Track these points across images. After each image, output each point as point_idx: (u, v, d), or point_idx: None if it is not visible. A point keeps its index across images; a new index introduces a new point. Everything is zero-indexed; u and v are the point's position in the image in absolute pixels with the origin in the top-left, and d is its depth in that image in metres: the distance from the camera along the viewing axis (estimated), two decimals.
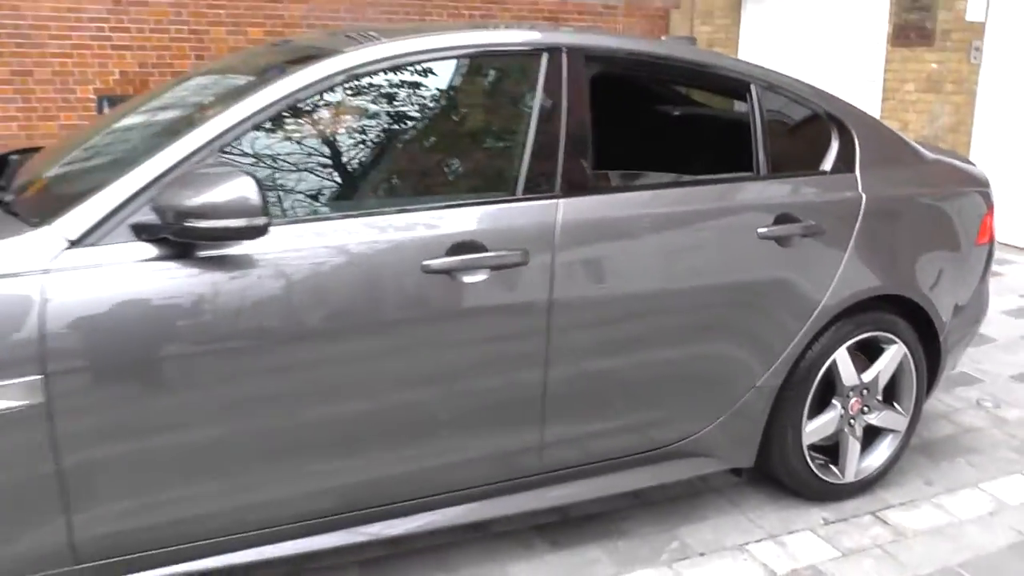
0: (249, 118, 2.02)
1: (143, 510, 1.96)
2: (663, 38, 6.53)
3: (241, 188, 1.82)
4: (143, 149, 2.06)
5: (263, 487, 2.07)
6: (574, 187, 2.32)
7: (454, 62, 2.41)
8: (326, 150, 2.20)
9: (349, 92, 2.21)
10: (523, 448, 2.36)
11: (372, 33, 2.38)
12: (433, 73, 2.33)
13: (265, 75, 2.20)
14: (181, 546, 2.02)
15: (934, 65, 6.38)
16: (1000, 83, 6.29)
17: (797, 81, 2.82)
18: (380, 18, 8.32)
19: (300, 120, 2.14)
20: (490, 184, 2.37)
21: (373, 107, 2.27)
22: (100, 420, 1.87)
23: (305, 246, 2.01)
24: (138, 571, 1.99)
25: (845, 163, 2.79)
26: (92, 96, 7.42)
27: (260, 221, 1.83)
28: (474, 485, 2.32)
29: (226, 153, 2.00)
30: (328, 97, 2.17)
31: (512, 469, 2.37)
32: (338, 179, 2.24)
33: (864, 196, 2.75)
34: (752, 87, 2.69)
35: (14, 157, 2.73)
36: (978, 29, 6.29)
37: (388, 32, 2.40)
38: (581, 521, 2.68)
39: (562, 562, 2.49)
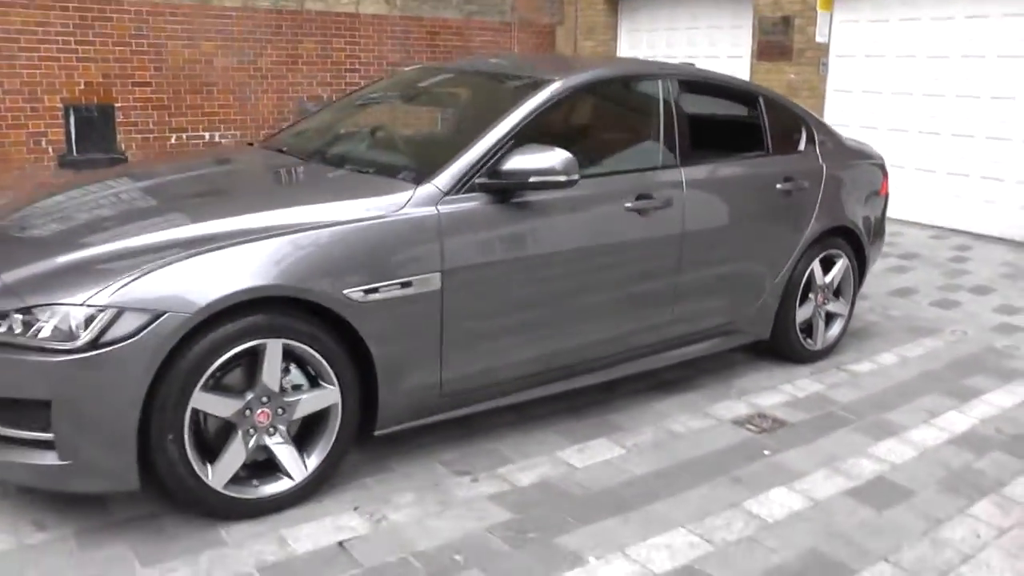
0: (525, 117, 3.27)
1: (481, 360, 3.16)
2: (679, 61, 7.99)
3: (565, 156, 3.06)
4: (462, 135, 3.27)
5: (547, 346, 3.33)
6: (686, 160, 3.73)
7: (623, 82, 3.80)
8: (562, 137, 3.46)
9: (570, 102, 3.51)
10: (664, 322, 3.74)
11: (554, 63, 3.68)
12: (612, 89, 3.67)
13: (519, 91, 3.45)
14: (499, 385, 3.25)
15: (792, 76, 8.31)
16: (840, 89, 8.33)
17: (780, 95, 4.39)
18: (310, 35, 9.27)
19: (545, 119, 3.40)
20: (647, 159, 3.70)
21: (585, 111, 3.59)
22: (465, 302, 3.05)
23: (567, 195, 3.25)
24: (476, 402, 3.20)
25: (810, 145, 4.38)
26: (59, 105, 7.92)
27: (576, 176, 3.09)
28: (642, 345, 3.69)
29: (516, 139, 3.23)
30: (561, 105, 3.45)
31: (657, 336, 3.75)
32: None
33: (824, 166, 4.35)
34: (759, 97, 4.22)
35: None
36: (824, 49, 8.32)
37: (558, 62, 3.71)
38: (673, 383, 4.08)
39: (676, 400, 3.87)
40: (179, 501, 2.70)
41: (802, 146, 4.36)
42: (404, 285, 2.89)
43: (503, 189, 3.12)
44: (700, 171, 3.77)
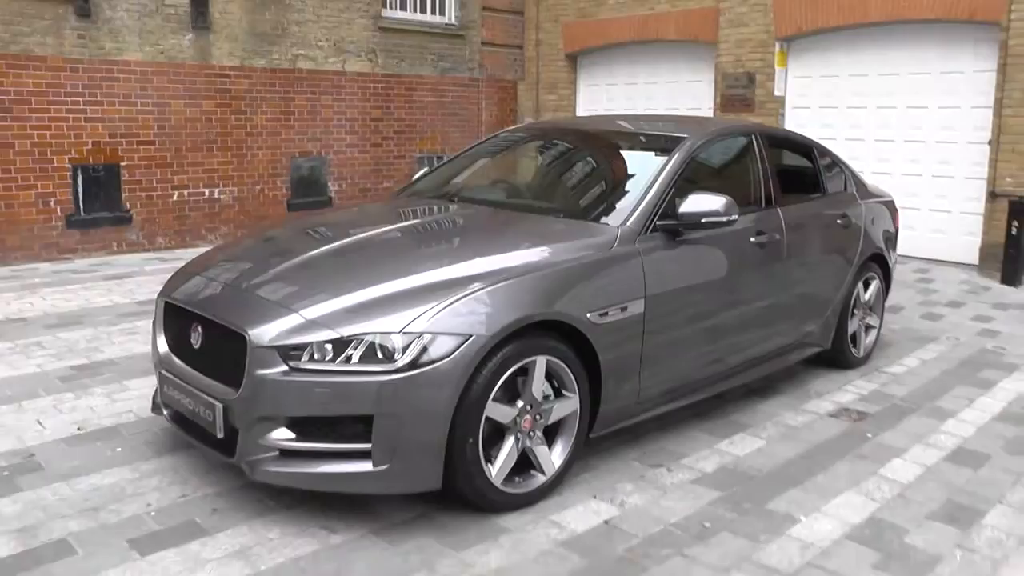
0: (678, 168, 3.96)
1: (663, 371, 3.78)
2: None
3: (726, 200, 3.75)
4: (629, 185, 3.93)
5: (703, 358, 3.98)
6: (779, 202, 4.51)
7: (730, 137, 4.55)
8: (694, 183, 4.13)
9: (702, 153, 4.22)
10: (771, 336, 4.46)
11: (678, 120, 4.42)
12: (724, 143, 4.42)
13: (660, 145, 4.15)
14: (670, 392, 3.87)
15: None
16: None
17: (824, 146, 5.27)
18: (304, 88, 9.69)
19: (690, 168, 4.09)
20: (756, 201, 4.45)
21: (707, 162, 4.31)
22: (657, 322, 3.66)
23: (714, 232, 3.94)
24: (656, 407, 3.81)
25: (850, 186, 5.27)
26: (68, 165, 8.04)
27: (735, 216, 3.78)
28: (756, 357, 4.39)
29: (675, 187, 3.90)
30: (697, 157, 4.17)
31: (765, 348, 4.46)
32: None
33: (862, 203, 5.24)
34: (813, 148, 5.08)
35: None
36: (781, 100, 9.44)
37: (666, 122, 4.44)
38: (760, 390, 4.79)
39: (774, 403, 4.58)
40: (465, 497, 3.17)
41: (843, 187, 5.24)
42: (623, 309, 3.50)
43: (676, 229, 3.79)
44: (790, 211, 4.56)
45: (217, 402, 3.11)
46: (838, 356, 5.17)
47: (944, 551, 3.10)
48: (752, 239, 4.22)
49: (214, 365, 3.23)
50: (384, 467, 2.96)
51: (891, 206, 5.66)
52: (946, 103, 8.23)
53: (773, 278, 4.39)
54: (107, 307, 6.43)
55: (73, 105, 7.99)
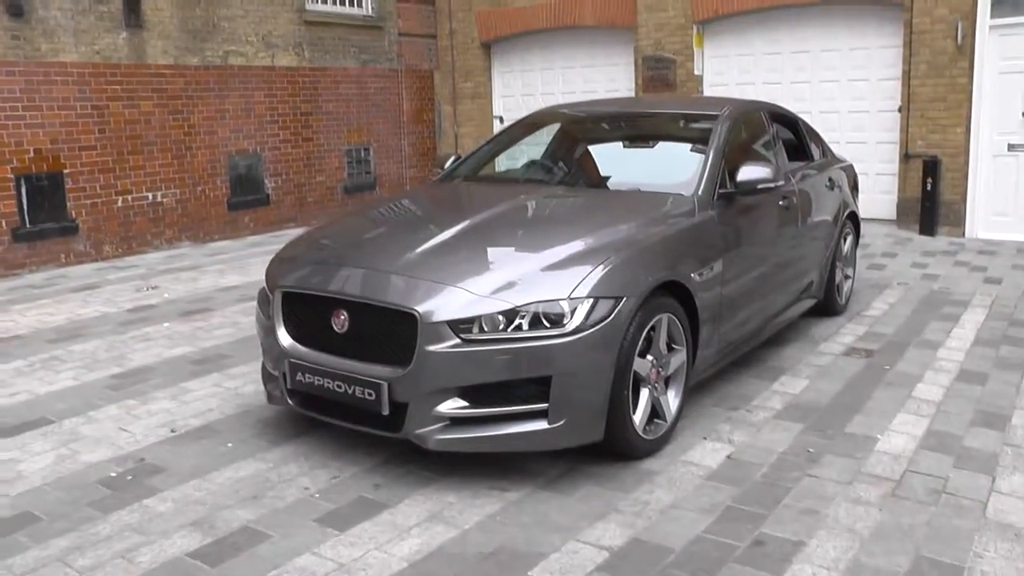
0: (724, 142, 4.40)
1: (735, 322, 4.22)
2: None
3: (774, 167, 4.22)
4: (688, 157, 4.35)
5: (761, 308, 4.47)
6: (788, 169, 5.05)
7: (748, 113, 4.99)
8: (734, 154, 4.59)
9: (736, 128, 4.67)
10: (796, 285, 5.01)
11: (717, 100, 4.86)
12: (744, 119, 4.88)
13: (701, 122, 4.57)
14: (733, 343, 4.32)
15: None
16: None
17: (805, 122, 5.86)
18: (250, 88, 9.56)
19: (733, 141, 4.54)
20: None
21: (742, 135, 4.76)
22: (730, 279, 4.09)
23: (756, 197, 4.42)
24: (727, 357, 4.26)
25: (826, 153, 5.91)
26: (11, 176, 7.66)
27: (781, 182, 4.26)
28: (789, 303, 4.94)
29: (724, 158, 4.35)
30: (734, 131, 4.61)
31: (793, 295, 5.01)
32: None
33: (837, 168, 5.89)
34: (798, 121, 5.66)
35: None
36: (700, 79, 10.12)
37: (695, 102, 4.87)
38: (772, 340, 5.33)
39: (794, 349, 5.14)
40: (616, 446, 3.50)
41: (821, 154, 5.87)
42: (711, 268, 3.92)
43: (733, 195, 4.24)
44: (798, 176, 5.12)
45: (382, 381, 3.29)
46: (828, 305, 5.80)
47: (996, 448, 3.71)
48: (780, 203, 4.73)
49: (368, 347, 3.39)
50: (559, 424, 3.25)
51: (851, 169, 6.35)
52: (856, 76, 9.14)
53: (794, 237, 4.93)
54: (99, 318, 6.25)
55: (12, 111, 7.59)
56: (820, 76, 9.41)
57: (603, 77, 11.24)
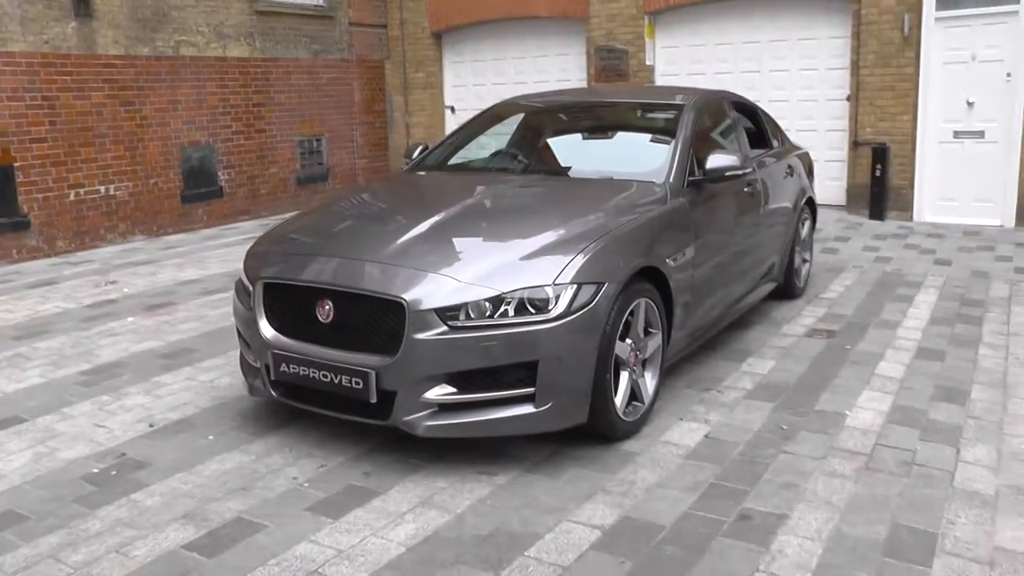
0: (692, 130, 4.50)
1: (703, 307, 4.33)
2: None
3: (740, 156, 4.34)
4: (656, 146, 4.44)
5: (727, 292, 4.59)
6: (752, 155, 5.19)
7: (712, 102, 5.11)
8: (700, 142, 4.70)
9: (701, 117, 4.77)
10: (760, 268, 5.15)
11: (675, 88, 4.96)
12: (708, 108, 4.99)
13: (668, 112, 4.67)
14: (702, 328, 4.44)
15: None
16: None
17: (764, 110, 6.01)
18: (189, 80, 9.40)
19: (699, 130, 4.64)
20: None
21: (705, 123, 4.87)
22: (700, 263, 4.20)
23: (723, 185, 4.55)
24: (695, 342, 4.38)
25: (785, 141, 6.07)
26: None
27: (749, 169, 4.38)
28: (752, 287, 5.07)
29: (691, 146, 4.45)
30: (700, 119, 4.72)
31: (755, 280, 5.15)
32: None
33: (795, 155, 6.06)
34: (758, 109, 5.81)
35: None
36: (651, 69, 10.26)
37: (658, 91, 4.97)
38: (736, 324, 5.47)
39: (757, 332, 5.29)
40: (599, 428, 3.58)
41: (780, 143, 6.03)
42: (683, 254, 4.02)
43: (702, 183, 4.35)
44: (759, 163, 5.26)
45: (369, 370, 3.32)
46: (788, 288, 5.97)
47: (959, 421, 3.89)
48: (745, 189, 4.86)
49: (354, 336, 3.41)
50: (545, 407, 3.32)
51: (807, 157, 6.54)
52: (805, 66, 9.36)
53: (757, 223, 5.07)
54: (60, 314, 6.13)
55: None
56: (770, 66, 9.62)
57: (554, 67, 11.31)
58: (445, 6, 11.72)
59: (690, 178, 4.32)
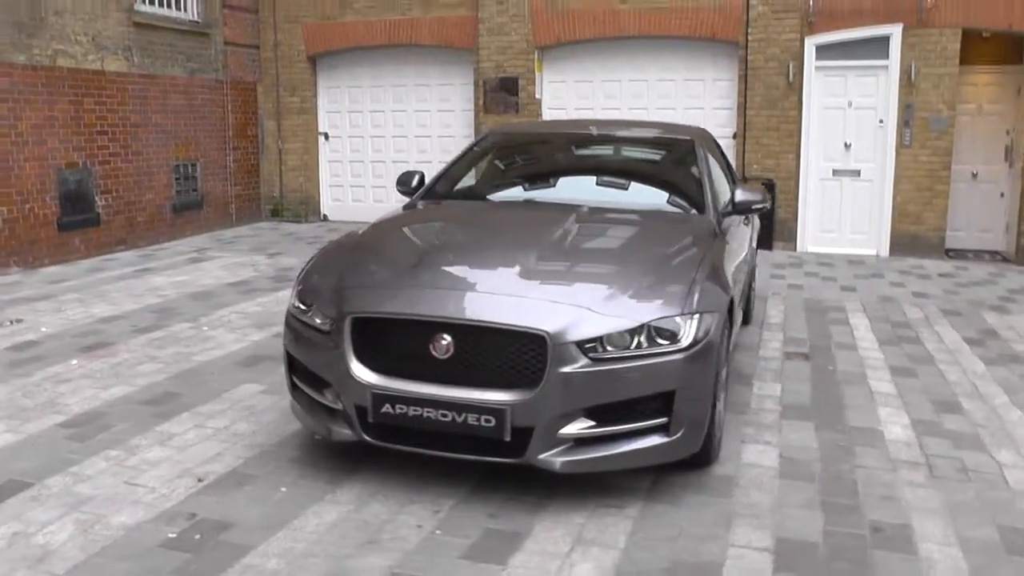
0: (709, 164, 4.75)
1: (735, 325, 4.56)
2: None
3: (763, 190, 4.63)
4: (686, 181, 4.64)
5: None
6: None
7: (709, 135, 5.39)
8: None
9: (711, 150, 5.03)
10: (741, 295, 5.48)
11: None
12: (712, 139, 5.25)
13: (682, 147, 4.88)
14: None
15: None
16: None
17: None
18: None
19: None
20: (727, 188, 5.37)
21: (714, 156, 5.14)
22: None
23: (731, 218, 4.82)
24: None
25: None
26: None
27: (768, 204, 4.66)
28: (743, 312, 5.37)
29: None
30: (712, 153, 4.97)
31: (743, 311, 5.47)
32: None
33: None
34: (717, 144, 6.20)
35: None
36: (539, 103, 10.52)
37: (658, 126, 5.21)
38: None
39: (737, 356, 5.63)
40: (707, 455, 3.68)
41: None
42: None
43: (729, 212, 4.61)
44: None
45: (504, 406, 3.21)
46: (746, 314, 6.38)
47: (971, 430, 4.35)
48: (744, 221, 5.18)
49: (479, 372, 3.29)
50: (676, 436, 3.37)
51: None
52: (691, 104, 10.03)
53: (747, 251, 5.41)
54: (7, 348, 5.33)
55: None
56: (656, 104, 10.21)
57: (436, 97, 11.33)
58: (323, 30, 11.40)
59: (722, 209, 4.55)
